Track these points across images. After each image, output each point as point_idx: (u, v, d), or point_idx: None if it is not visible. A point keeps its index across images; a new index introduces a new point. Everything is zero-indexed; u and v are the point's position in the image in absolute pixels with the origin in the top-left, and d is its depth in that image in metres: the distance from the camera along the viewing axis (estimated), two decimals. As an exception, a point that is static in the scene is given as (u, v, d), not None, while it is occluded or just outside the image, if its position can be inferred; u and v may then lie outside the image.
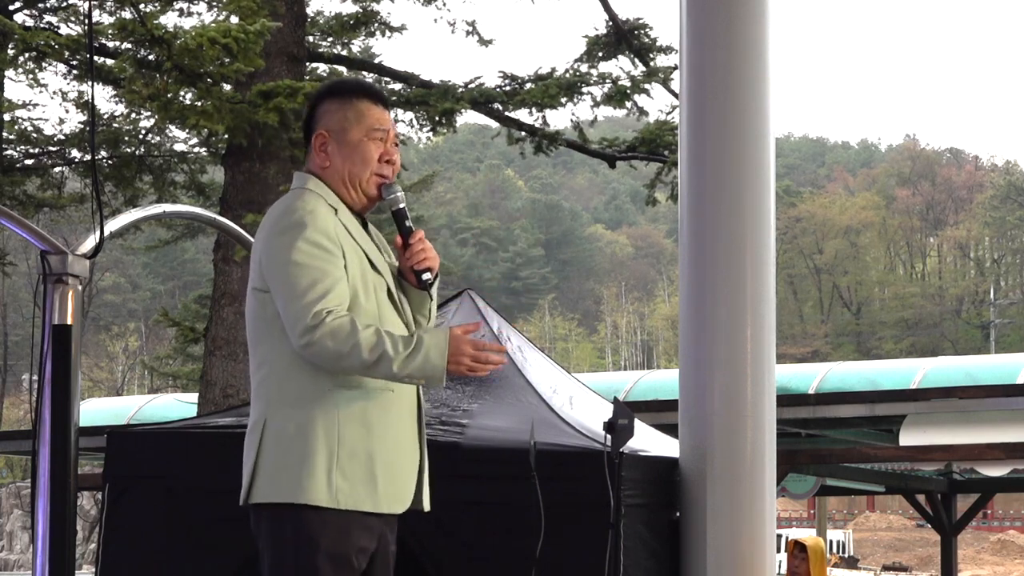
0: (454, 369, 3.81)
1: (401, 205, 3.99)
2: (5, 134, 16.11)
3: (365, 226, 4.06)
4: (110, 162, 15.73)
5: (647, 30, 15.41)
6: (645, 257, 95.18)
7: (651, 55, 15.31)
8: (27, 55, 14.25)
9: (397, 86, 15.42)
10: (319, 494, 3.80)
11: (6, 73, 15.51)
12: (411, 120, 15.03)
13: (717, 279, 5.89)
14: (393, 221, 4.02)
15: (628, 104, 15.04)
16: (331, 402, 3.84)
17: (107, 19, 14.31)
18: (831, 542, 42.80)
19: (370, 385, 3.86)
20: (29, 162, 16.48)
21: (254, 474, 3.92)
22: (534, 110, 14.98)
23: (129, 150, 15.97)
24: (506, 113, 15.12)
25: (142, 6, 13.01)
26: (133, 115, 15.93)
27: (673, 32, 6.38)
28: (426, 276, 3.96)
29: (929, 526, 22.37)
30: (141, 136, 16.14)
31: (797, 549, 9.69)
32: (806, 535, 14.32)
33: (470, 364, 3.79)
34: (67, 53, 14.41)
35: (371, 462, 3.85)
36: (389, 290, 3.98)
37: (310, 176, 4.00)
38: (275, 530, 3.88)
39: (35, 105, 17.49)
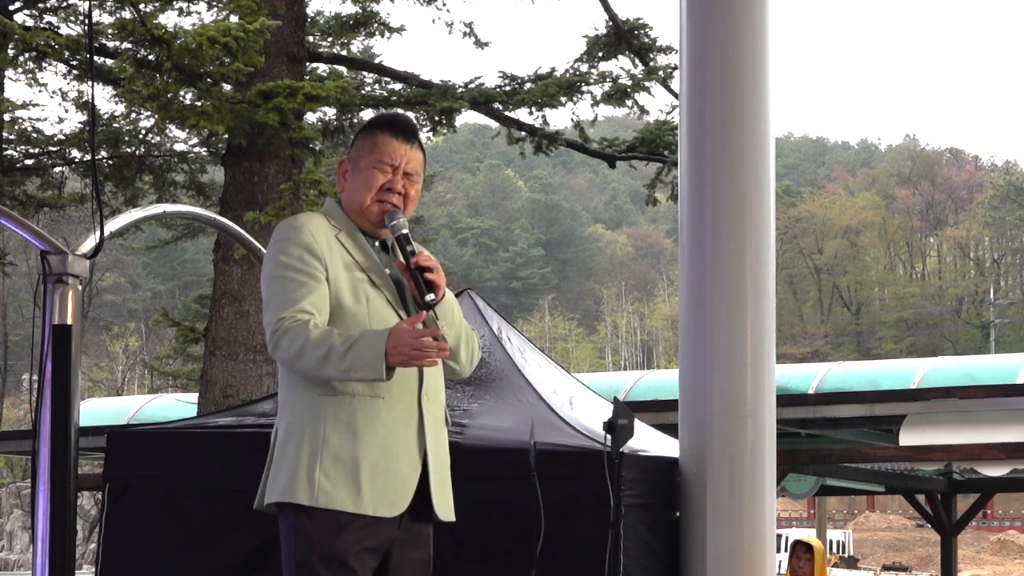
0: (398, 360, 3.87)
1: (403, 231, 4.09)
2: (5, 134, 16.11)
3: (387, 250, 4.20)
4: (110, 162, 15.73)
5: (647, 30, 15.42)
6: (645, 257, 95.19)
7: (651, 55, 15.32)
8: (27, 55, 14.25)
9: (397, 86, 15.43)
10: (301, 494, 3.93)
11: (6, 73, 15.51)
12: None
13: (717, 279, 5.88)
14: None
15: (628, 102, 15.05)
16: (319, 409, 3.97)
17: (107, 19, 14.32)
18: (831, 542, 42.81)
19: (358, 393, 3.97)
20: (29, 162, 16.48)
21: (264, 479, 4.11)
22: (534, 110, 14.98)
23: (129, 150, 15.97)
24: (506, 113, 15.11)
25: (142, 6, 13.00)
26: (133, 115, 15.93)
27: (673, 32, 6.39)
28: (429, 297, 4.04)
29: (929, 526, 22.38)
30: (141, 136, 16.14)
31: (802, 550, 9.63)
32: (806, 535, 14.31)
33: (411, 352, 3.86)
34: (67, 53, 14.41)
35: (356, 467, 3.94)
36: (392, 307, 4.08)
37: (332, 202, 4.25)
38: (281, 532, 4.04)
39: (35, 105, 17.47)
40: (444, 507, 4.12)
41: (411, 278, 4.05)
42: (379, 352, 3.85)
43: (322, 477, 3.92)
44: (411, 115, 14.88)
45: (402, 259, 4.07)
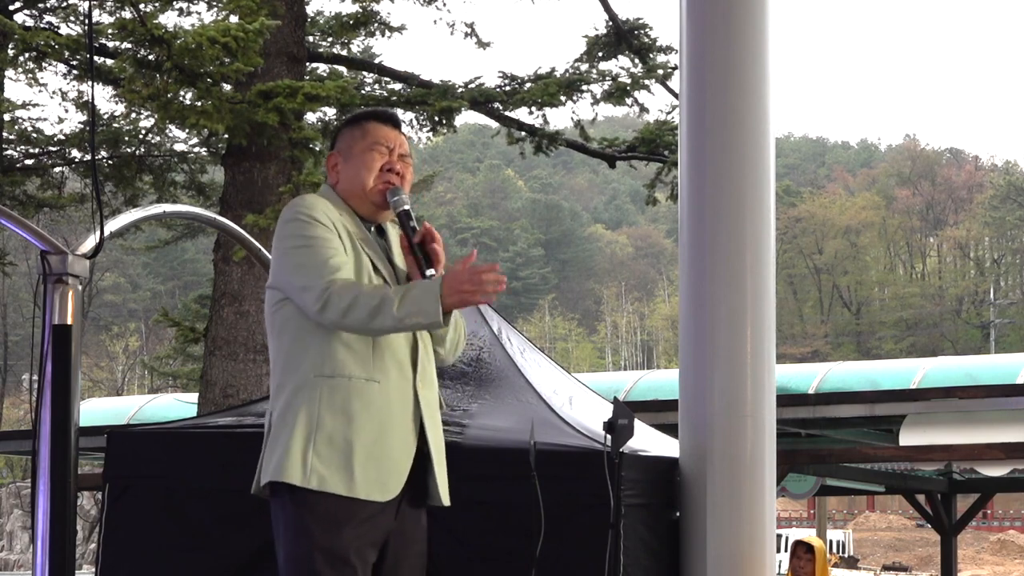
0: (458, 300, 3.93)
1: (405, 207, 4.15)
2: (5, 134, 16.11)
3: (382, 235, 4.26)
4: (110, 162, 15.73)
5: (647, 30, 15.41)
6: (645, 257, 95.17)
7: (651, 55, 15.31)
8: (27, 55, 14.25)
9: (397, 86, 15.43)
10: (294, 474, 3.94)
11: (6, 73, 15.51)
12: (411, 120, 15.03)
13: (717, 279, 5.88)
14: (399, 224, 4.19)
15: (628, 101, 15.04)
16: (315, 391, 3.99)
17: (107, 19, 14.32)
18: (831, 542, 42.81)
19: (354, 376, 4.00)
20: (29, 162, 16.48)
21: (260, 462, 4.11)
22: (534, 109, 14.98)
23: (129, 150, 15.97)
24: (506, 113, 15.11)
25: (142, 6, 13.00)
26: (133, 115, 15.93)
27: (673, 32, 6.39)
28: (429, 272, 4.07)
29: (929, 526, 22.38)
30: (141, 136, 16.14)
31: (803, 550, 9.62)
32: (806, 535, 14.30)
33: (470, 289, 3.91)
34: (67, 53, 14.41)
35: (349, 450, 3.96)
36: (391, 285, 4.10)
37: (325, 186, 4.30)
38: (272, 509, 4.05)
39: (35, 105, 17.50)
40: (442, 491, 4.15)
41: (411, 254, 4.10)
42: (435, 296, 3.90)
43: (315, 459, 3.93)
44: (411, 115, 14.91)
45: (405, 235, 4.12)
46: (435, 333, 4.19)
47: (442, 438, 4.18)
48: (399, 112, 14.79)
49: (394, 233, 4.27)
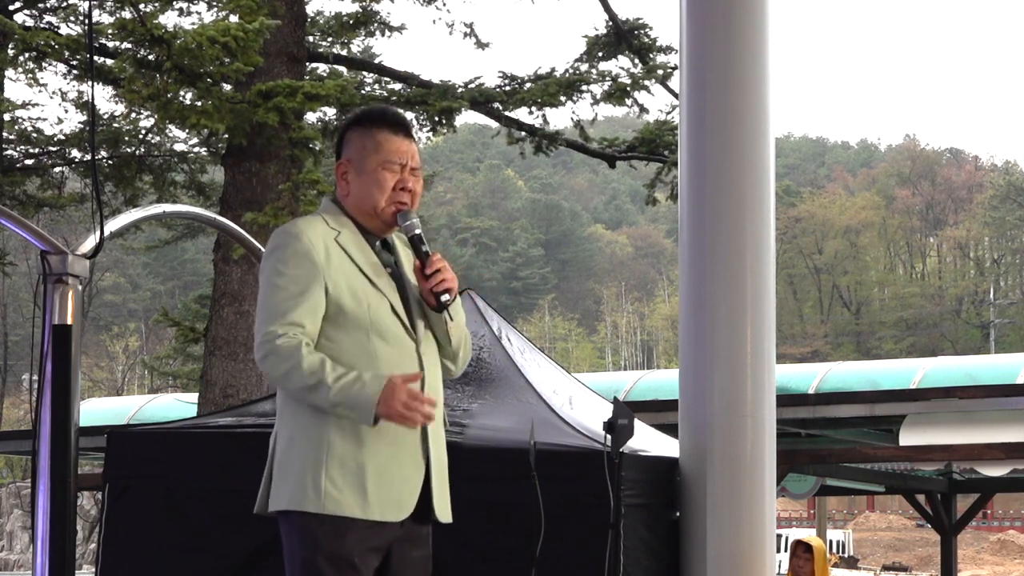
0: (385, 412, 3.87)
1: (417, 231, 4.10)
2: (5, 134, 16.12)
3: (388, 248, 4.19)
4: (110, 162, 15.74)
5: (647, 30, 15.43)
6: (645, 257, 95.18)
7: (651, 55, 15.33)
8: (27, 55, 14.25)
9: (397, 86, 15.44)
10: (308, 502, 3.92)
11: (6, 73, 15.52)
12: (411, 120, 15.02)
13: (717, 279, 5.89)
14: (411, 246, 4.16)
15: (628, 101, 15.05)
16: (324, 416, 3.94)
17: (107, 19, 14.33)
18: (831, 542, 42.82)
19: None
20: (29, 162, 16.49)
21: (267, 484, 4.08)
22: (534, 109, 14.99)
23: (129, 150, 15.98)
24: (506, 113, 15.12)
25: (142, 6, 13.01)
26: (133, 115, 15.94)
27: (673, 32, 6.39)
28: (444, 298, 4.06)
29: (929, 526, 22.38)
30: (141, 136, 16.15)
31: (802, 549, 9.61)
32: (806, 535, 14.30)
33: (400, 410, 3.87)
34: (67, 53, 14.42)
35: (361, 472, 3.94)
36: (393, 308, 4.06)
37: (328, 201, 4.20)
38: (284, 536, 4.03)
39: (35, 105, 17.55)
40: (443, 509, 4.14)
41: (424, 279, 4.05)
42: (371, 404, 3.84)
43: (328, 484, 3.91)
44: (411, 115, 14.90)
45: (418, 260, 4.08)
46: (447, 351, 4.17)
47: (446, 456, 4.17)
48: (400, 112, 14.79)
49: (401, 246, 4.23)
